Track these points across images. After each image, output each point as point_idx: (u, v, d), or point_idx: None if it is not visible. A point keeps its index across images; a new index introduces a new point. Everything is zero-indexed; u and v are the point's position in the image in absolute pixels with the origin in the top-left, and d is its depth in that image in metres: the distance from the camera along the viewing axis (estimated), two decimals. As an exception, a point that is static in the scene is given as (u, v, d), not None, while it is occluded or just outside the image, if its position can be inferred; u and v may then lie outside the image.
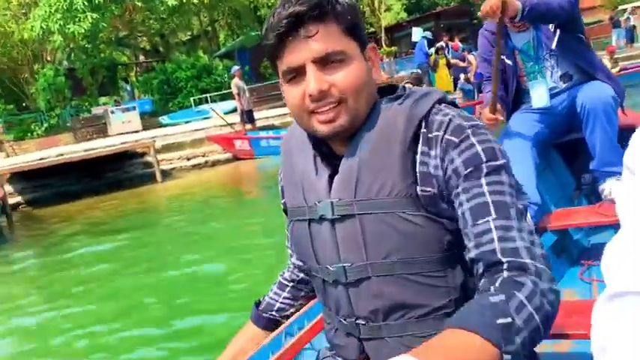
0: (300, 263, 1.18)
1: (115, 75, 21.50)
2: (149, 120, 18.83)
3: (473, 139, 0.87)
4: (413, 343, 0.86)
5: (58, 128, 19.05)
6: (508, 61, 2.45)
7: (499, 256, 0.81)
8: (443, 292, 0.91)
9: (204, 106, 19.79)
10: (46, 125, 19.09)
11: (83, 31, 17.45)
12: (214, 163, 12.22)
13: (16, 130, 19.20)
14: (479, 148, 0.86)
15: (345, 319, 1.00)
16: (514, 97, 2.53)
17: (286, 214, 1.11)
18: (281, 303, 1.26)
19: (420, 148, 0.89)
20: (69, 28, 17.32)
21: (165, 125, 18.15)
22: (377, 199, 0.90)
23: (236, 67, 12.91)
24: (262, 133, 12.54)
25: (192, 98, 20.21)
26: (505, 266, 0.80)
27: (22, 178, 10.35)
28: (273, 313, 1.26)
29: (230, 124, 12.28)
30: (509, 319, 0.72)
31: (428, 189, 0.88)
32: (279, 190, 1.14)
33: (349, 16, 0.91)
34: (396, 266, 0.90)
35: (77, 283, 5.14)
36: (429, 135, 0.89)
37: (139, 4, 19.54)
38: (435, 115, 0.90)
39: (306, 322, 1.32)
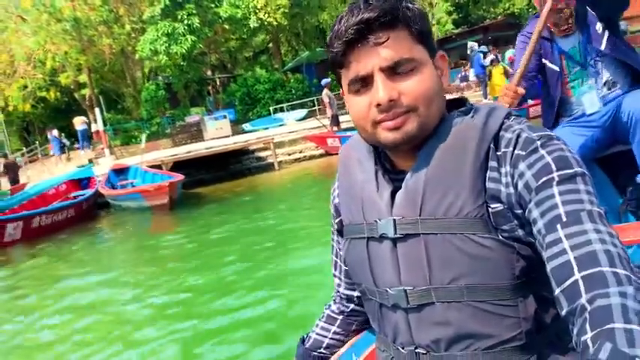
0: (349, 293, 1.13)
1: (203, 88, 24.72)
2: (233, 127, 21.76)
3: (542, 151, 0.80)
4: None
5: (158, 135, 22.22)
6: (554, 67, 2.36)
7: (575, 270, 0.71)
8: (513, 323, 0.83)
9: (279, 115, 22.75)
10: (147, 132, 22.29)
11: (184, 51, 20.60)
12: (310, 157, 14.94)
13: (122, 137, 22.49)
14: (549, 158, 0.79)
15: (402, 348, 0.92)
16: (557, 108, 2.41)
17: (340, 234, 1.06)
18: (331, 339, 1.16)
19: (489, 163, 0.84)
20: (172, 49, 20.50)
21: (248, 131, 21.07)
22: (444, 219, 0.84)
23: (327, 80, 15.67)
24: (349, 133, 15.25)
25: (270, 108, 23.17)
26: (586, 297, 0.68)
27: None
28: (322, 350, 1.15)
29: (325, 126, 15.07)
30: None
31: (497, 205, 0.83)
32: (330, 208, 1.08)
33: (420, 21, 0.86)
34: (463, 292, 0.84)
35: (224, 245, 7.53)
36: (498, 152, 0.84)
37: (227, 26, 22.66)
38: (505, 132, 0.85)
39: (354, 356, 1.20)
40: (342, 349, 1.19)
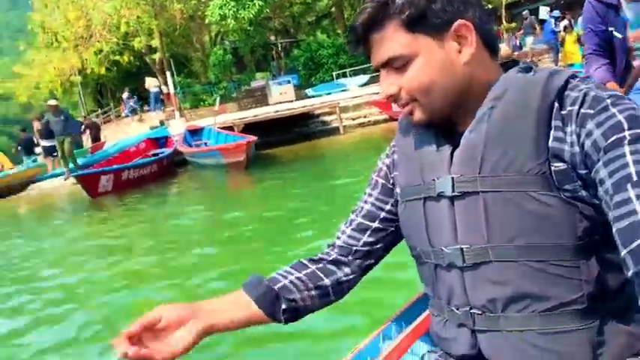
0: (348, 246, 1.06)
1: (267, 53, 25.24)
2: (297, 92, 22.15)
3: (613, 109, 0.77)
4: (536, 340, 0.83)
5: (225, 98, 22.97)
6: (617, 34, 2.32)
7: None
8: (574, 285, 0.81)
9: (342, 80, 22.91)
10: (219, 95, 23.10)
11: (251, 16, 21.04)
12: (375, 123, 15.17)
13: (191, 100, 23.43)
14: (620, 116, 0.75)
15: (457, 309, 0.90)
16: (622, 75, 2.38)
17: (384, 190, 1.04)
18: (290, 282, 1.01)
19: (553, 123, 0.80)
20: (240, 14, 20.98)
21: (311, 97, 21.40)
22: (505, 176, 0.81)
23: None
24: (413, 99, 15.36)
25: (333, 73, 23.39)
26: None
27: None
28: (276, 288, 1.00)
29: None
30: None
31: (561, 164, 0.79)
32: (378, 163, 1.06)
33: (410, 9, 0.84)
34: (522, 252, 0.81)
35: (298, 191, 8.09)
36: (563, 112, 0.80)
37: (294, -9, 22.88)
38: (570, 91, 0.81)
39: (404, 324, 1.19)
40: (392, 317, 1.18)
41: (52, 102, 12.26)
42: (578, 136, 0.79)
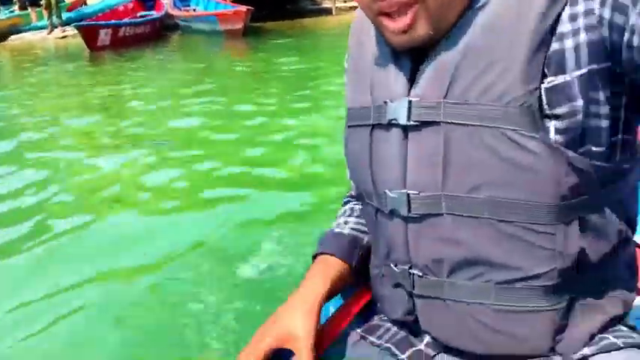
0: None
1: None
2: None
3: None
4: (485, 317, 0.67)
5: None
6: None
7: None
8: (545, 256, 0.64)
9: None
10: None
11: None
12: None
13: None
14: None
15: (395, 265, 0.74)
16: None
17: None
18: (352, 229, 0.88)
19: (559, 28, 0.59)
20: None
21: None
22: (478, 105, 0.61)
23: None
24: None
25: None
26: None
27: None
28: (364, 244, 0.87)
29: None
30: None
31: (558, 78, 0.59)
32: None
33: None
34: (485, 206, 0.63)
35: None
36: (577, 7, 0.58)
37: None
38: None
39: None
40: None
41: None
42: (611, 24, 0.57)
